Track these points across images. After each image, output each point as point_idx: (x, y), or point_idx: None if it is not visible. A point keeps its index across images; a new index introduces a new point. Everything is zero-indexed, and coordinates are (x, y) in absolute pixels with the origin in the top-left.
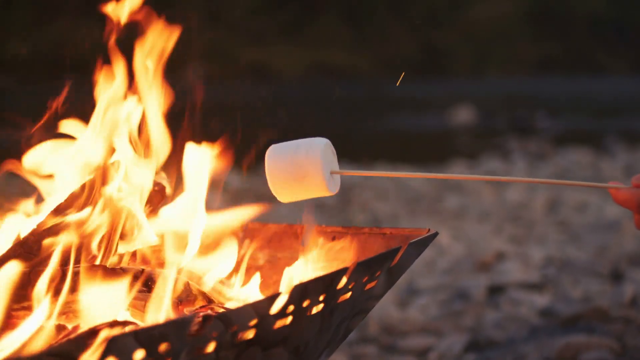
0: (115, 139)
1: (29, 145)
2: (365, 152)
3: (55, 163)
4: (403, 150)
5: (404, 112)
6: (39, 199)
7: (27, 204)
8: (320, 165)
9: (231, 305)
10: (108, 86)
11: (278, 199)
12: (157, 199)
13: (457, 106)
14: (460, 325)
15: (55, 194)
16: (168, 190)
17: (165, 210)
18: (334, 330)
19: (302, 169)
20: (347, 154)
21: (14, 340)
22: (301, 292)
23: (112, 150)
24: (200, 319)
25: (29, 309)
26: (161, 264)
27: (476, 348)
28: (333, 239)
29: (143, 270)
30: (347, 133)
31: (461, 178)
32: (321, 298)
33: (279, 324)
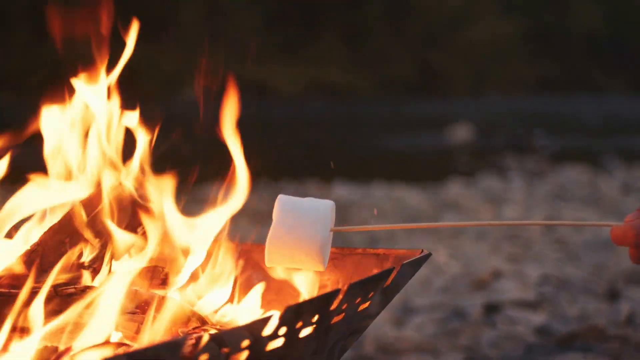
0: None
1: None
2: (363, 171)
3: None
4: (401, 169)
5: (401, 131)
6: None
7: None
8: (322, 253)
9: (224, 326)
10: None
11: (267, 264)
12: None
13: (455, 125)
14: (456, 344)
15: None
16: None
17: (159, 232)
18: (329, 350)
19: (303, 253)
20: (345, 173)
21: None
22: (294, 313)
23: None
24: (193, 340)
25: (20, 330)
26: (154, 285)
27: None
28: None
29: (136, 291)
30: (345, 151)
31: (465, 225)
32: (314, 319)
33: (272, 345)
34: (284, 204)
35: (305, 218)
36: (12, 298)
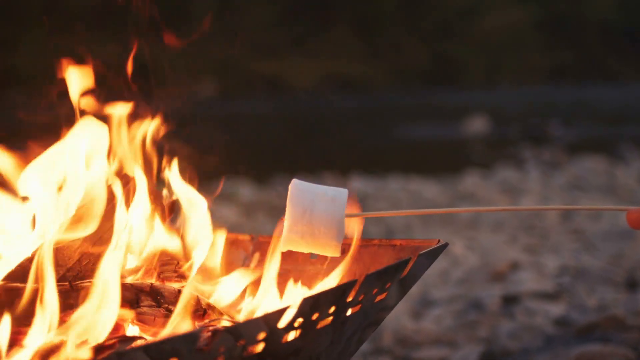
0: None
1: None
2: (379, 163)
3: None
4: (417, 161)
5: (417, 122)
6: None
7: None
8: (339, 239)
9: (241, 318)
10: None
11: (282, 248)
12: (167, 213)
13: (470, 116)
14: (474, 336)
15: (63, 209)
16: (177, 204)
17: (175, 224)
18: (346, 342)
19: (320, 240)
20: (361, 164)
21: (21, 357)
22: (311, 304)
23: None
24: (210, 332)
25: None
26: (170, 279)
27: (491, 359)
28: (343, 251)
29: (152, 284)
30: (361, 144)
31: (479, 210)
32: (331, 310)
33: (289, 337)
34: (298, 188)
35: (320, 203)
36: (23, 292)
